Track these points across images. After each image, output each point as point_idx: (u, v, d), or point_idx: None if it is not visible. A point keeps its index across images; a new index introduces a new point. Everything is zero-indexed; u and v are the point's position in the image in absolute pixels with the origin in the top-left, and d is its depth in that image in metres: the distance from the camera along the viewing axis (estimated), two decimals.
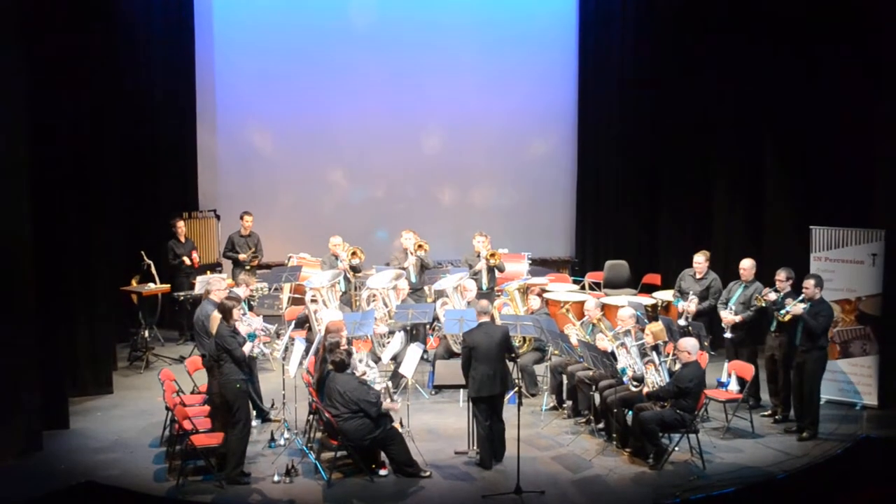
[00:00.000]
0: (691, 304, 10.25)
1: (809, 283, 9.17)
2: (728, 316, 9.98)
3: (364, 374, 8.61)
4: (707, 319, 10.33)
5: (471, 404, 8.66)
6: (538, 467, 8.52)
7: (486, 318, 8.65)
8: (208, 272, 12.25)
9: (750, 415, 9.50)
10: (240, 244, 12.81)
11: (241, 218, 12.90)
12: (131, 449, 8.98)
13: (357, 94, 14.38)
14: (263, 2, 14.20)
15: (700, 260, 10.71)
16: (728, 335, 10.02)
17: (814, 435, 9.13)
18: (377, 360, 9.22)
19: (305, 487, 8.12)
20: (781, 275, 9.45)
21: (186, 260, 12.57)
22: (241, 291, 9.71)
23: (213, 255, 13.56)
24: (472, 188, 15.00)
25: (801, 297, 9.20)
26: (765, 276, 9.97)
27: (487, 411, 8.51)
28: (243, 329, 8.43)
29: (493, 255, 11.65)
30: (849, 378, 10.09)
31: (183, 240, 12.74)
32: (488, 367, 8.41)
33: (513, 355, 8.89)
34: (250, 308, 10.48)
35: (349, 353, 8.40)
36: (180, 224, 12.81)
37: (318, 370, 8.73)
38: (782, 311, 9.20)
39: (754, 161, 12.37)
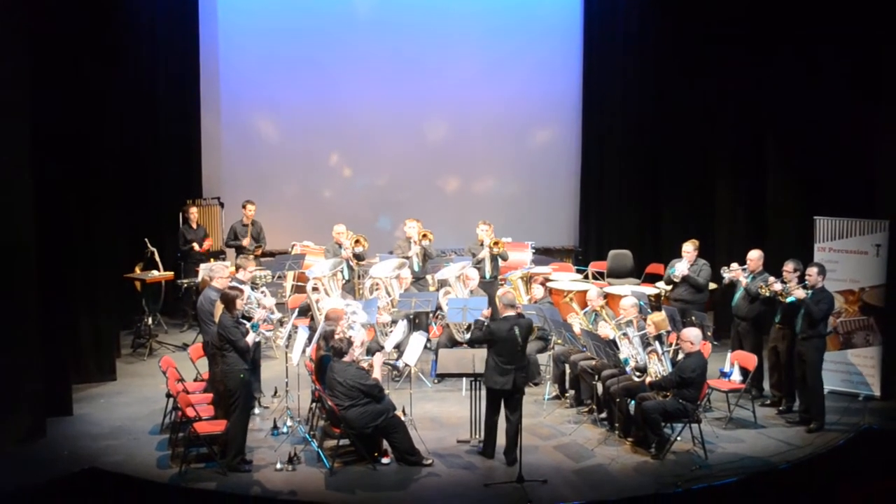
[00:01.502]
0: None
1: (812, 272, 9.19)
2: (736, 269, 9.92)
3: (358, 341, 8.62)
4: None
5: (479, 392, 8.59)
6: (540, 456, 8.53)
7: (511, 312, 8.43)
8: (212, 260, 12.23)
9: (752, 405, 9.50)
10: (242, 233, 12.77)
11: (243, 207, 12.87)
12: (134, 436, 9.00)
13: (361, 82, 14.36)
14: None
15: (689, 249, 10.73)
16: (726, 275, 9.96)
17: (821, 426, 9.12)
18: (380, 348, 9.21)
19: (308, 475, 8.13)
20: (789, 266, 9.43)
21: (196, 246, 12.55)
22: (242, 276, 9.69)
23: (217, 243, 13.53)
24: (475, 176, 14.99)
25: (803, 284, 9.21)
26: (767, 265, 9.93)
27: (498, 404, 8.38)
28: (257, 315, 8.43)
29: (496, 243, 11.63)
30: (852, 369, 10.08)
31: (195, 226, 12.73)
32: (508, 362, 8.24)
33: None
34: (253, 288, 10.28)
35: (349, 342, 8.38)
36: (193, 210, 12.80)
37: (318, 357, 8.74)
38: (786, 289, 9.21)
39: (757, 149, 12.31)
